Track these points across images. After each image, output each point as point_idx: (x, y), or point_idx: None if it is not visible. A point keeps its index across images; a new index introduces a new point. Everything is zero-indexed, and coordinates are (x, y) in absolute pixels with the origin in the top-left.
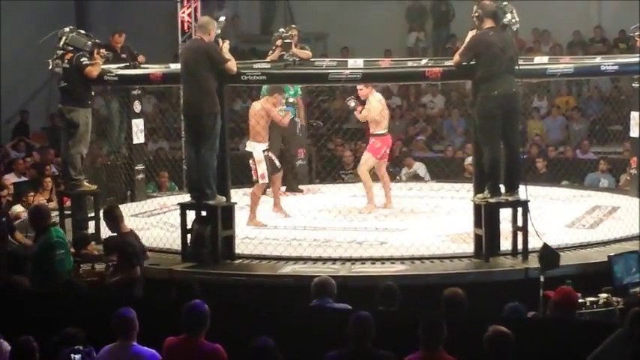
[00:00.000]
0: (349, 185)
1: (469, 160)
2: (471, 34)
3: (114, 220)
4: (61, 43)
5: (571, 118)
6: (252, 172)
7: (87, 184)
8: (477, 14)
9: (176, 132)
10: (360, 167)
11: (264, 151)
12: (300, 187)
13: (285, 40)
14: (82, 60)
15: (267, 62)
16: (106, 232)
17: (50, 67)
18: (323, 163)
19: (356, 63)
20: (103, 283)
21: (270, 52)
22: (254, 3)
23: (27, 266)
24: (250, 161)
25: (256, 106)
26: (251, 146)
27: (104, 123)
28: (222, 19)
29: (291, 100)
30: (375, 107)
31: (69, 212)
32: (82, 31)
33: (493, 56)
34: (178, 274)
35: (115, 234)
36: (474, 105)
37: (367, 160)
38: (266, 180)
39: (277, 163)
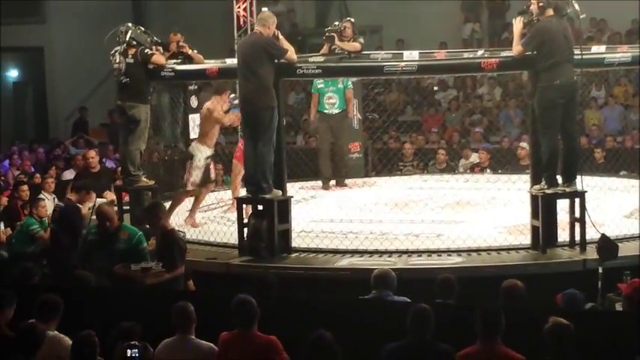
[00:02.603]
0: (405, 178)
1: (523, 145)
2: (517, 21)
3: (158, 216)
4: (127, 37)
5: (630, 107)
6: (186, 173)
7: (145, 180)
8: (540, 4)
9: (231, 126)
10: None
11: (207, 157)
12: (356, 180)
13: (329, 34)
14: (146, 51)
15: (321, 55)
16: None
17: (117, 61)
18: (379, 156)
19: (411, 55)
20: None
21: (324, 45)
22: None
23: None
24: (187, 163)
25: (205, 107)
26: (196, 148)
27: (158, 118)
28: (264, 8)
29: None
30: None
31: (127, 207)
32: (142, 28)
33: (558, 45)
34: (239, 268)
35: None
36: (533, 95)
37: None
38: (192, 188)
39: (213, 175)
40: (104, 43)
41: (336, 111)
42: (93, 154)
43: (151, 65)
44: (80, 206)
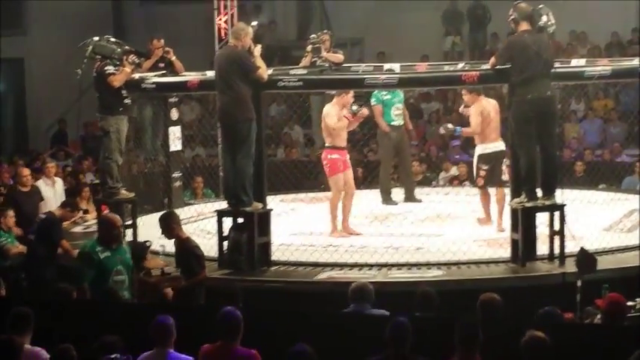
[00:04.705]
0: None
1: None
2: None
3: (173, 226)
4: (88, 52)
5: (609, 120)
6: None
7: (124, 192)
8: (512, 17)
9: (213, 139)
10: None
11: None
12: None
13: (315, 46)
14: (105, 69)
15: (302, 68)
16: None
17: (78, 76)
18: (360, 169)
19: (392, 68)
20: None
21: (304, 57)
22: (291, 9)
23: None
24: None
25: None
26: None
27: (138, 130)
28: (254, 23)
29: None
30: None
31: None
32: (112, 39)
33: (528, 59)
34: (217, 281)
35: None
36: (509, 108)
37: None
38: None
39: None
40: (80, 54)
41: (402, 122)
42: (26, 172)
43: (118, 83)
44: (59, 218)
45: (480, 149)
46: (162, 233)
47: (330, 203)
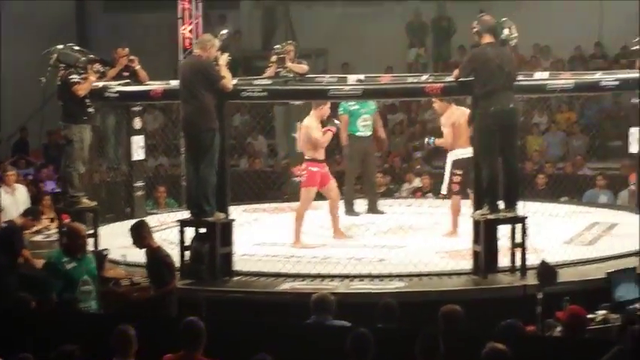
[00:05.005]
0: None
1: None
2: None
3: (144, 235)
4: (52, 60)
5: (571, 133)
6: None
7: (86, 201)
8: (476, 30)
9: (176, 148)
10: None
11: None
12: None
13: (280, 56)
14: (70, 77)
15: (267, 78)
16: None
17: (42, 84)
18: None
19: (356, 79)
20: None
21: (267, 68)
22: (256, 19)
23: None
24: None
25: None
26: None
27: (101, 139)
28: (224, 32)
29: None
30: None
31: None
32: (76, 47)
33: (490, 72)
34: (180, 291)
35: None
36: (472, 121)
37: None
38: None
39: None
40: (44, 63)
41: (369, 133)
42: None
43: (83, 92)
44: (20, 227)
45: (453, 155)
46: (134, 243)
47: (296, 213)
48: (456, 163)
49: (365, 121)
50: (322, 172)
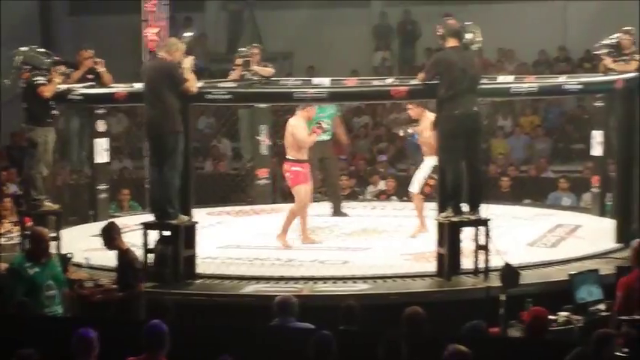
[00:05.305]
0: (313, 204)
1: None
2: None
3: (114, 236)
4: (16, 62)
5: (535, 136)
6: None
7: (49, 204)
8: (440, 33)
9: (140, 151)
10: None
11: None
12: (263, 206)
13: (245, 59)
14: (35, 80)
15: (232, 81)
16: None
17: (7, 86)
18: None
19: (322, 82)
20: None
21: (232, 71)
22: (221, 22)
23: None
24: None
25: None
26: None
27: (65, 142)
28: (188, 34)
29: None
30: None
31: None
32: (41, 49)
33: (454, 76)
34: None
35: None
36: (437, 124)
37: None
38: None
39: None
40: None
41: (327, 138)
42: None
43: (49, 94)
44: None
45: (433, 160)
46: (104, 244)
47: (289, 211)
48: (436, 169)
49: (325, 125)
50: (305, 171)
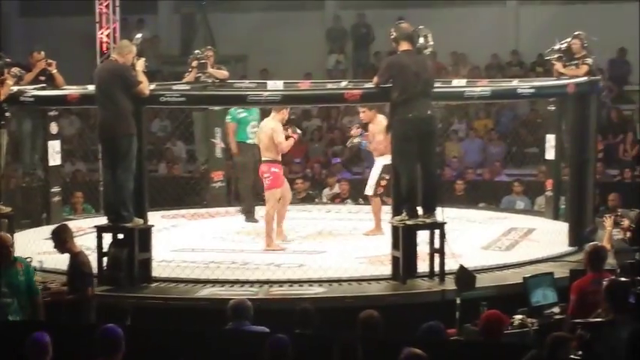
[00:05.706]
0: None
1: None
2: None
3: (66, 239)
4: None
5: (488, 140)
6: None
7: (1, 207)
8: (393, 37)
9: (93, 154)
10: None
11: None
12: (218, 209)
13: (201, 61)
14: None
15: (186, 83)
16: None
17: None
18: None
19: (275, 85)
20: (58, 302)
21: (187, 73)
22: (174, 24)
23: None
24: None
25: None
26: None
27: (17, 144)
28: (138, 36)
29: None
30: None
31: None
32: None
33: (407, 79)
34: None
35: (66, 254)
36: (390, 128)
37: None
38: None
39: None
40: None
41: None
42: None
43: (2, 96)
44: None
45: (383, 160)
46: (55, 247)
47: (265, 216)
48: (386, 168)
49: (254, 128)
50: (280, 173)
